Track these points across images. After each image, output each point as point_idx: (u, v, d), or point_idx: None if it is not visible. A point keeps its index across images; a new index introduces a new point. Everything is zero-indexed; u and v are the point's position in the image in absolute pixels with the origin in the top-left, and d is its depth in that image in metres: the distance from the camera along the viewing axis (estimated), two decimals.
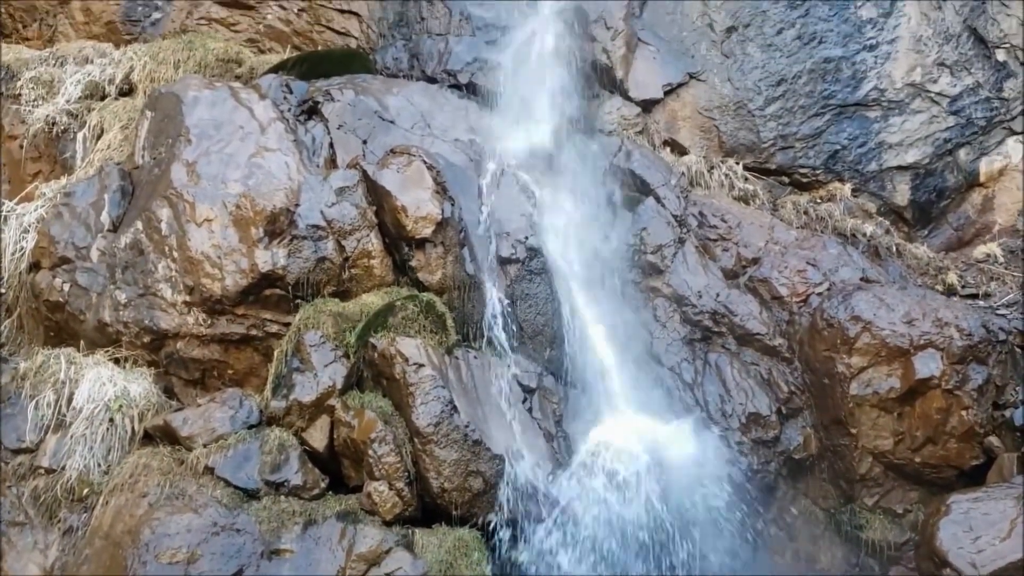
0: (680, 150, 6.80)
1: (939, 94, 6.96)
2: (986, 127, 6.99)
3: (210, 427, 5.15)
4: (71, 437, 5.18)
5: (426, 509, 5.01)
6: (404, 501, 4.93)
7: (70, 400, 5.28)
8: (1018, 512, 4.73)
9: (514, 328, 5.60)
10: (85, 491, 5.07)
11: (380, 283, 5.70)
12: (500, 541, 4.93)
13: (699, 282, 6.08)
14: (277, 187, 5.70)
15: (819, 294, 5.94)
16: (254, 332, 5.55)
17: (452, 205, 5.72)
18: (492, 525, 4.93)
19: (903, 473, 5.61)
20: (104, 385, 5.31)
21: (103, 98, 6.75)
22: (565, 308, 5.77)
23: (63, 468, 5.11)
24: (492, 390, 5.32)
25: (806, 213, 6.52)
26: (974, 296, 6.14)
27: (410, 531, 4.91)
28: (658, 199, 6.33)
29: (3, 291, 5.87)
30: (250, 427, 5.16)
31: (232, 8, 7.46)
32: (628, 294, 6.07)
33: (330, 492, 5.07)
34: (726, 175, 6.64)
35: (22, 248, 5.90)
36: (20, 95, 6.75)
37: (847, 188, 6.75)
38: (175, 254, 5.57)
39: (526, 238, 5.90)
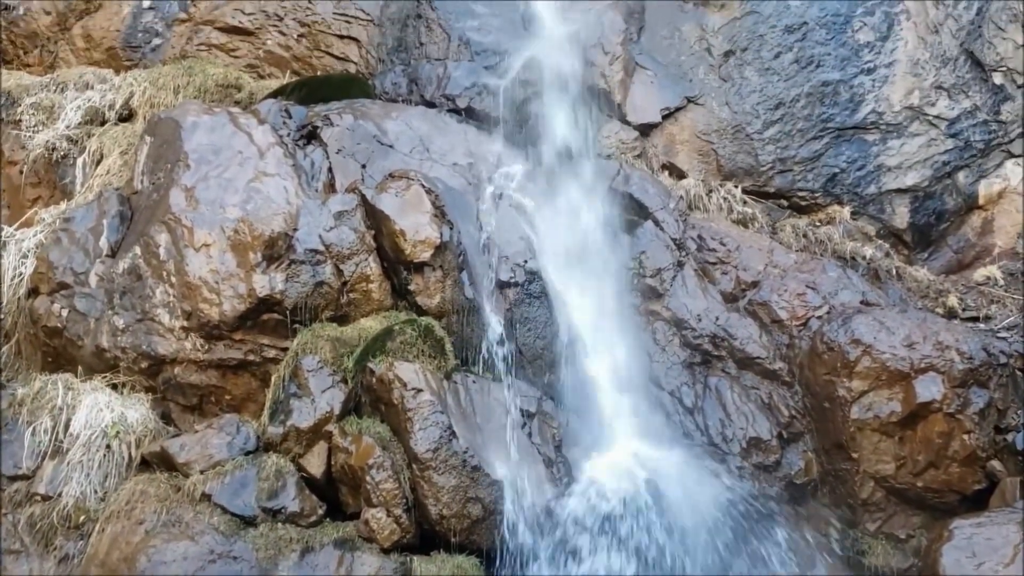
0: (678, 174, 6.81)
1: (937, 117, 6.98)
2: (984, 150, 7.00)
3: (207, 453, 5.13)
4: (68, 463, 5.16)
5: (424, 536, 4.97)
6: (402, 528, 4.89)
7: (67, 426, 5.26)
8: (1021, 538, 4.68)
9: (513, 352, 5.58)
10: (81, 518, 5.04)
11: (378, 307, 5.69)
12: (500, 569, 4.88)
13: (698, 305, 6.06)
14: (275, 212, 5.70)
15: (819, 317, 5.92)
16: (252, 357, 5.54)
17: (451, 229, 5.72)
18: (492, 552, 4.89)
19: (905, 498, 5.57)
20: (101, 411, 5.30)
21: (103, 123, 6.78)
22: (564, 332, 5.76)
23: (60, 495, 5.09)
24: (491, 415, 5.29)
25: (805, 236, 6.50)
26: (975, 319, 6.12)
27: (408, 559, 4.86)
28: (657, 223, 6.33)
29: (1, 317, 5.86)
30: (247, 453, 5.14)
31: (232, 34, 7.50)
32: (627, 318, 6.04)
33: (328, 519, 5.04)
34: (725, 198, 6.64)
35: (21, 274, 5.90)
36: (20, 121, 6.78)
37: (846, 211, 6.74)
38: (173, 279, 5.56)
39: (525, 262, 5.89)
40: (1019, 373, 5.59)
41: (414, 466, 4.95)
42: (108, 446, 5.21)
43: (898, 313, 5.83)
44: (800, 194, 6.83)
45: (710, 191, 6.68)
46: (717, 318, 6.03)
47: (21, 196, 6.60)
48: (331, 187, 6.12)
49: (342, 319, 5.64)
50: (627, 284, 6.14)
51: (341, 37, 7.31)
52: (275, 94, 6.76)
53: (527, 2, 7.07)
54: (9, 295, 5.85)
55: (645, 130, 6.88)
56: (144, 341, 5.53)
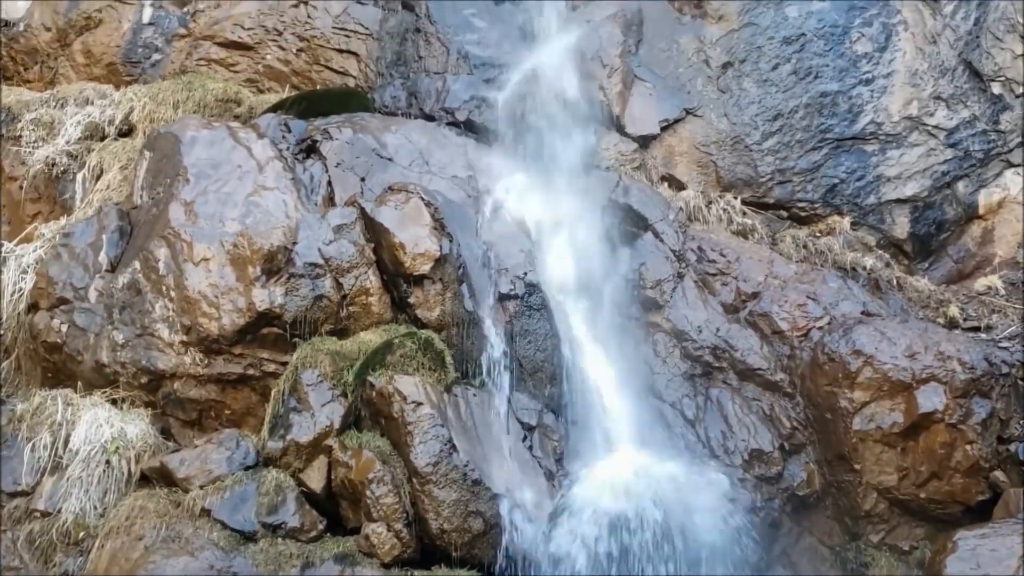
0: (678, 185, 6.81)
1: (936, 127, 6.98)
2: (984, 159, 7.00)
3: (207, 468, 5.11)
4: (67, 479, 5.15)
5: (425, 551, 4.95)
6: (403, 543, 4.87)
7: (67, 442, 5.25)
8: None
9: (514, 365, 5.57)
10: (81, 534, 5.02)
11: (378, 321, 5.68)
12: None
13: (699, 317, 6.05)
14: (275, 225, 5.70)
15: (820, 328, 5.90)
16: (251, 371, 5.53)
17: (450, 241, 5.72)
18: (493, 567, 4.86)
19: (908, 509, 5.54)
20: (101, 426, 5.28)
21: (103, 139, 6.80)
22: (565, 344, 5.75)
23: (59, 511, 5.07)
24: (492, 428, 5.27)
25: (805, 247, 6.50)
26: (976, 329, 6.10)
27: (409, 573, 4.84)
28: (656, 234, 6.32)
29: (1, 332, 5.86)
30: (247, 468, 5.12)
31: (231, 49, 7.53)
32: (628, 330, 6.04)
33: (328, 534, 5.02)
34: (724, 210, 6.64)
35: (21, 289, 5.91)
36: (21, 136, 6.80)
37: (846, 221, 6.73)
38: (172, 294, 5.56)
39: (525, 274, 5.89)
40: (1021, 383, 5.57)
41: (414, 480, 4.93)
42: (108, 461, 5.20)
43: (899, 323, 5.82)
44: (800, 205, 6.82)
45: (709, 202, 6.68)
46: (718, 329, 6.02)
47: (21, 211, 6.61)
48: (330, 201, 6.12)
49: (342, 333, 5.63)
50: (627, 296, 6.13)
51: (340, 51, 7.33)
52: (274, 108, 6.78)
53: (525, 15, 7.09)
54: (9, 311, 5.85)
55: (644, 142, 6.88)
56: (144, 356, 5.52)
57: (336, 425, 5.17)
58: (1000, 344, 5.80)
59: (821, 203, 6.81)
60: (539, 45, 7.00)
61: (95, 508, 5.08)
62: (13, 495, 5.14)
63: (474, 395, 5.37)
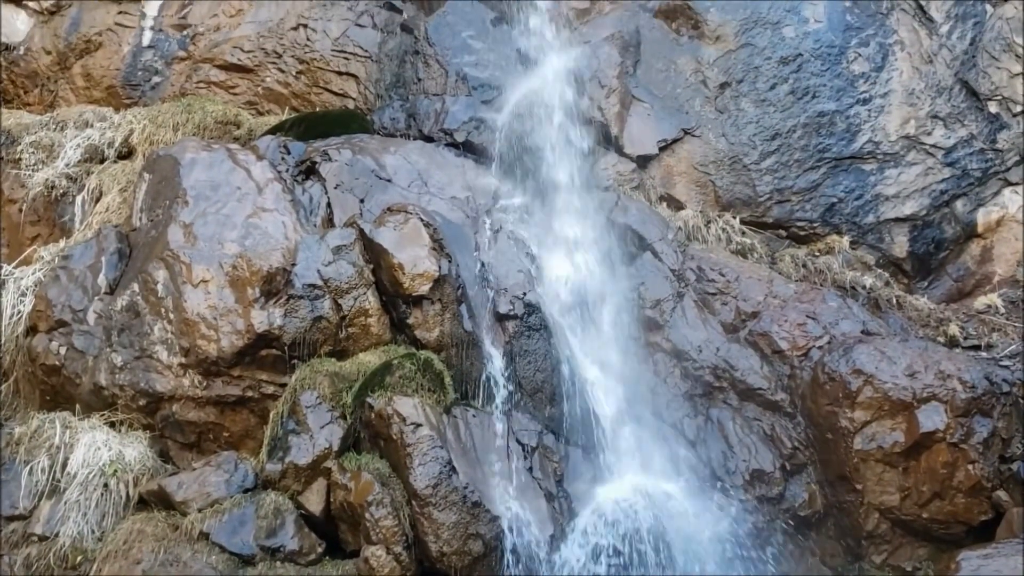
0: (676, 205, 6.81)
1: (934, 146, 7.00)
2: (982, 178, 7.01)
3: (205, 491, 5.09)
4: (65, 503, 5.12)
5: (425, 573, 4.91)
6: (402, 566, 4.83)
7: (65, 465, 5.23)
8: None
9: (513, 385, 5.55)
10: (79, 559, 4.99)
11: (377, 341, 5.67)
12: None
13: (699, 337, 6.04)
14: (274, 247, 5.71)
15: (820, 347, 5.89)
16: (250, 393, 5.51)
17: (449, 262, 5.72)
18: None
19: (911, 529, 5.50)
20: (99, 449, 5.27)
21: (102, 161, 6.81)
22: (564, 365, 5.73)
23: (56, 535, 5.04)
24: (491, 449, 5.25)
25: (805, 266, 6.50)
26: (976, 347, 6.09)
27: None
28: (655, 254, 6.32)
29: (0, 355, 5.84)
30: (245, 491, 5.10)
31: (231, 71, 7.56)
32: (628, 349, 6.02)
33: (327, 557, 4.99)
34: (723, 229, 6.64)
35: (19, 312, 5.90)
36: (20, 159, 6.82)
37: (845, 241, 6.73)
38: (171, 316, 5.55)
39: (524, 294, 5.88)
40: (1022, 401, 5.55)
41: (414, 502, 4.90)
42: (106, 485, 5.17)
43: (899, 342, 5.80)
44: (799, 224, 6.83)
45: (708, 222, 6.69)
46: (718, 349, 6.00)
47: (20, 234, 6.61)
48: (329, 222, 6.13)
49: (341, 354, 5.62)
50: (627, 315, 6.12)
51: (340, 74, 7.36)
52: (274, 130, 6.80)
53: (523, 37, 7.12)
54: (7, 333, 5.84)
55: (642, 162, 6.90)
56: (142, 378, 5.51)
57: (335, 447, 5.14)
58: (1001, 363, 5.78)
59: (820, 222, 6.81)
60: (537, 66, 7.03)
61: (93, 532, 5.05)
62: (10, 519, 5.11)
63: (473, 416, 5.35)
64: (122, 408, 5.51)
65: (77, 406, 5.55)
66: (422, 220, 5.79)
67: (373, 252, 5.75)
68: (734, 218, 6.74)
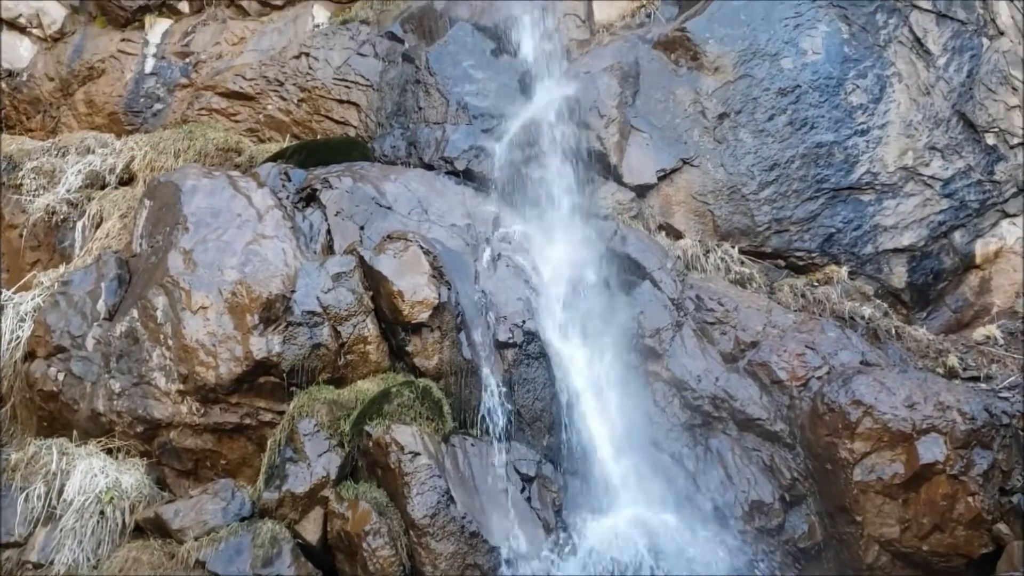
0: (675, 234, 6.83)
1: (932, 177, 7.03)
2: (980, 209, 7.04)
3: (202, 519, 5.06)
4: (61, 530, 5.09)
5: None
6: None
7: (61, 492, 5.21)
8: None
9: (512, 414, 5.53)
10: None
11: (376, 369, 5.66)
12: None
13: (698, 366, 6.03)
14: (273, 274, 5.71)
15: (819, 378, 5.88)
16: (248, 421, 5.49)
17: (449, 289, 5.72)
18: None
19: (911, 562, 5.46)
20: (96, 476, 5.24)
21: (103, 187, 6.84)
22: (563, 393, 5.72)
23: (52, 563, 5.02)
24: (490, 479, 5.22)
25: (803, 296, 6.50)
26: (975, 379, 6.08)
27: None
28: (654, 282, 6.33)
29: None
30: (242, 519, 5.07)
31: (233, 99, 7.61)
32: (627, 378, 6.01)
33: None
34: (722, 258, 6.64)
35: (18, 337, 5.90)
36: (22, 185, 6.84)
37: (844, 271, 6.74)
38: (170, 342, 5.54)
39: (523, 322, 5.88)
40: (1022, 433, 5.53)
41: (411, 532, 4.87)
42: (102, 512, 5.15)
43: (898, 373, 5.79)
44: (797, 254, 6.84)
45: (707, 251, 6.70)
46: (717, 379, 5.99)
47: (20, 259, 6.62)
48: (329, 249, 6.14)
49: (339, 381, 5.61)
50: (626, 344, 6.11)
51: (341, 102, 7.41)
52: (275, 157, 6.83)
53: (523, 67, 7.17)
54: (6, 358, 5.84)
55: (641, 191, 6.92)
56: (140, 405, 5.49)
57: (332, 476, 5.12)
58: (1000, 394, 5.76)
59: (818, 252, 6.82)
60: (537, 96, 7.08)
61: (88, 560, 5.02)
62: (5, 546, 5.08)
63: (472, 445, 5.33)
64: (119, 435, 5.49)
65: (74, 432, 5.53)
66: (422, 248, 5.81)
67: (373, 279, 5.75)
68: (733, 247, 6.75)
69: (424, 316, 5.60)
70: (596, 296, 6.28)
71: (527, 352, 5.78)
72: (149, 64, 7.85)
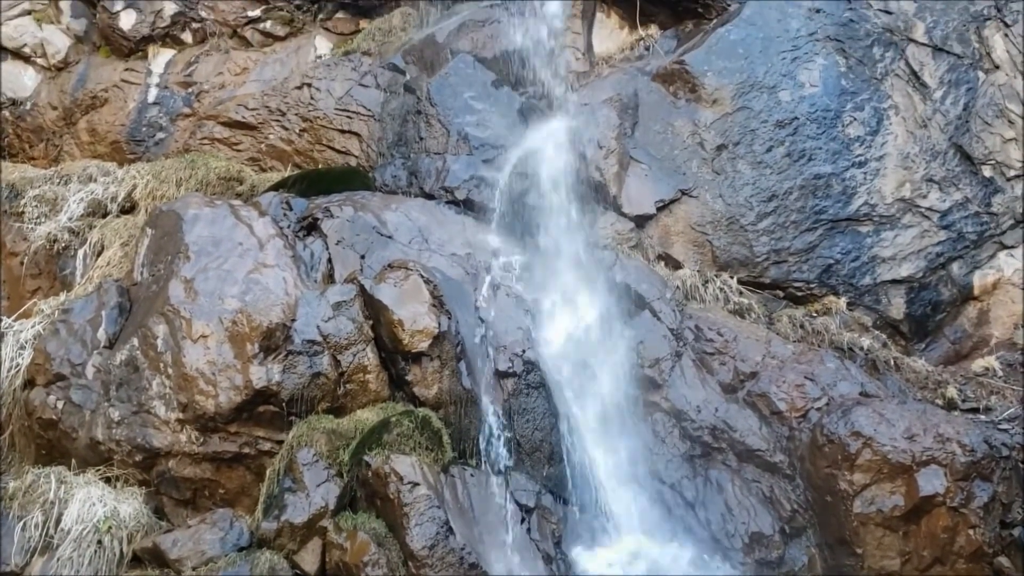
0: (674, 264, 6.86)
1: (929, 209, 7.07)
2: (977, 241, 7.08)
3: (200, 549, 5.04)
4: (58, 560, 5.06)
5: None
6: None
7: (58, 521, 5.19)
8: None
9: (512, 444, 5.53)
10: None
11: (375, 398, 5.66)
12: None
13: (698, 396, 6.04)
14: (274, 302, 5.72)
15: (818, 409, 5.88)
16: (246, 450, 5.48)
17: (449, 319, 5.73)
18: None
19: None
20: (94, 505, 5.22)
21: (105, 215, 6.87)
22: (563, 423, 5.71)
23: None
24: (489, 510, 5.21)
25: (802, 327, 6.52)
26: (975, 410, 6.08)
27: None
28: (654, 312, 6.35)
29: None
30: (240, 549, 5.05)
31: (235, 128, 7.66)
32: (627, 409, 6.01)
33: None
34: (721, 289, 6.67)
35: (18, 365, 5.89)
36: (24, 213, 6.87)
37: (842, 302, 6.75)
38: (170, 371, 5.54)
39: (523, 351, 5.88)
40: (1022, 466, 5.53)
41: (410, 563, 4.84)
42: (100, 541, 5.12)
43: (898, 405, 5.79)
44: (796, 285, 6.86)
45: (706, 281, 6.72)
46: (716, 409, 5.99)
47: (21, 287, 6.64)
48: (330, 277, 6.16)
49: (338, 410, 5.60)
50: (625, 374, 6.12)
51: (343, 132, 7.46)
52: (276, 187, 6.87)
53: (524, 98, 7.23)
54: (5, 386, 5.83)
55: (640, 221, 6.95)
56: (139, 433, 5.48)
57: (331, 506, 5.10)
58: (1000, 426, 5.77)
59: (817, 283, 6.85)
60: (537, 127, 7.13)
61: None
62: (2, 575, 5.04)
63: (471, 475, 5.32)
64: (118, 463, 5.48)
65: (73, 461, 5.51)
66: (422, 277, 5.82)
67: (373, 308, 5.77)
68: (731, 278, 6.78)
69: (424, 345, 5.61)
70: (596, 326, 6.28)
71: (527, 382, 5.78)
72: (152, 94, 7.91)
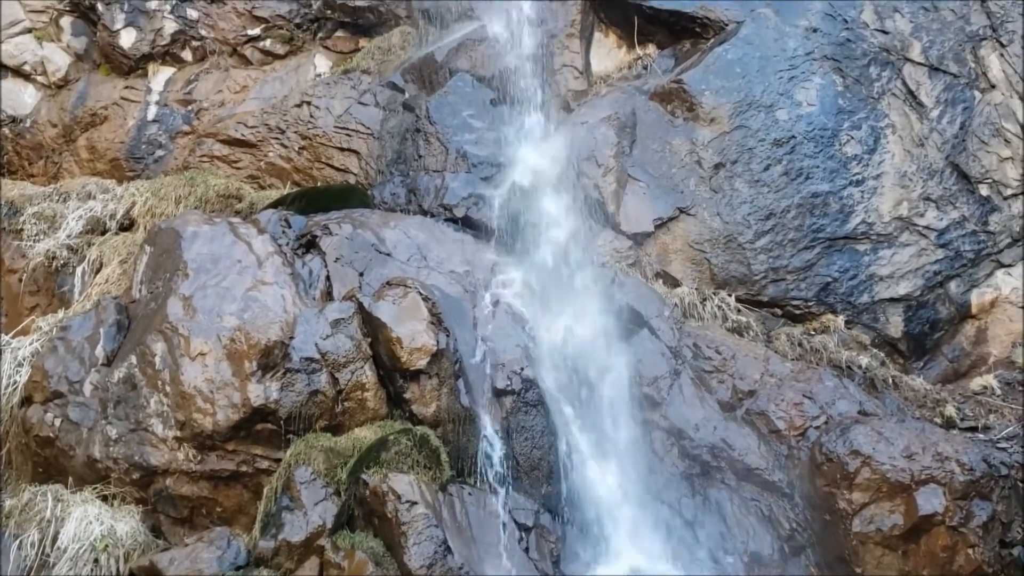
0: (672, 282, 6.87)
1: (927, 227, 7.10)
2: (975, 260, 7.10)
3: (197, 568, 5.01)
4: None
5: None
6: None
7: (55, 539, 5.16)
8: None
9: (510, 462, 5.51)
10: None
11: (373, 416, 5.65)
12: None
13: (696, 415, 6.03)
14: (272, 320, 5.72)
15: (817, 427, 5.88)
16: (244, 468, 5.47)
17: (447, 336, 5.73)
18: None
19: None
20: (91, 524, 5.20)
21: (104, 233, 6.88)
22: (562, 441, 5.70)
23: None
24: (487, 528, 5.19)
25: (800, 345, 6.52)
26: (973, 429, 6.08)
27: None
28: (652, 330, 6.35)
29: None
30: (238, 568, 5.02)
31: (234, 146, 7.68)
32: (625, 427, 6.00)
33: None
34: (719, 307, 6.68)
35: (15, 382, 5.88)
36: (22, 230, 6.88)
37: (840, 320, 6.76)
38: (168, 388, 5.53)
39: (521, 369, 5.88)
40: (1021, 485, 5.53)
41: None
42: (96, 560, 5.10)
43: (896, 423, 5.80)
44: (794, 303, 6.87)
45: (704, 299, 6.73)
46: (715, 428, 5.99)
47: (19, 304, 6.64)
48: (329, 295, 6.15)
49: (336, 428, 5.59)
50: (624, 392, 6.11)
51: (342, 149, 7.48)
52: (275, 204, 6.88)
53: (522, 116, 7.26)
54: (2, 404, 5.81)
55: (639, 239, 6.97)
56: (136, 451, 5.47)
57: (329, 524, 5.09)
58: (998, 445, 5.77)
59: (815, 301, 6.86)
60: (536, 145, 7.15)
61: None
62: None
63: (469, 494, 5.31)
64: (115, 481, 5.46)
65: (70, 479, 5.49)
66: (421, 294, 5.82)
67: (371, 326, 5.76)
68: (729, 296, 6.79)
69: (422, 363, 5.60)
70: (594, 343, 6.28)
71: (525, 399, 5.77)
72: (151, 111, 7.94)
